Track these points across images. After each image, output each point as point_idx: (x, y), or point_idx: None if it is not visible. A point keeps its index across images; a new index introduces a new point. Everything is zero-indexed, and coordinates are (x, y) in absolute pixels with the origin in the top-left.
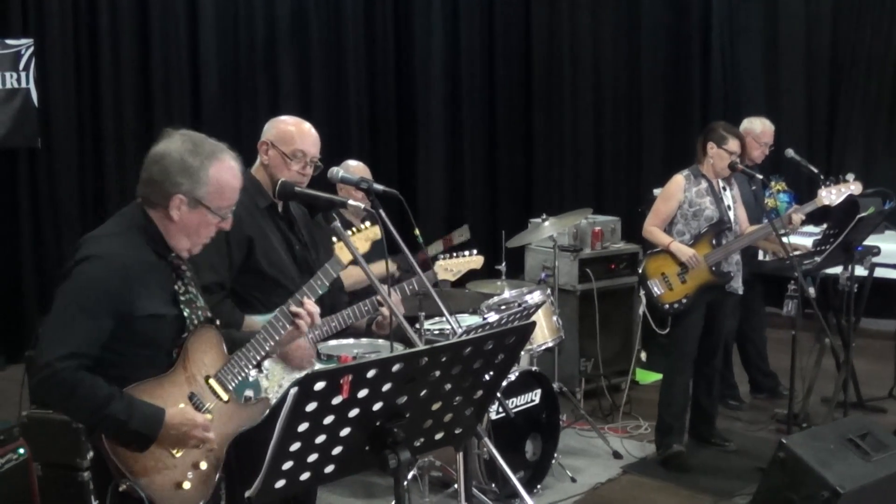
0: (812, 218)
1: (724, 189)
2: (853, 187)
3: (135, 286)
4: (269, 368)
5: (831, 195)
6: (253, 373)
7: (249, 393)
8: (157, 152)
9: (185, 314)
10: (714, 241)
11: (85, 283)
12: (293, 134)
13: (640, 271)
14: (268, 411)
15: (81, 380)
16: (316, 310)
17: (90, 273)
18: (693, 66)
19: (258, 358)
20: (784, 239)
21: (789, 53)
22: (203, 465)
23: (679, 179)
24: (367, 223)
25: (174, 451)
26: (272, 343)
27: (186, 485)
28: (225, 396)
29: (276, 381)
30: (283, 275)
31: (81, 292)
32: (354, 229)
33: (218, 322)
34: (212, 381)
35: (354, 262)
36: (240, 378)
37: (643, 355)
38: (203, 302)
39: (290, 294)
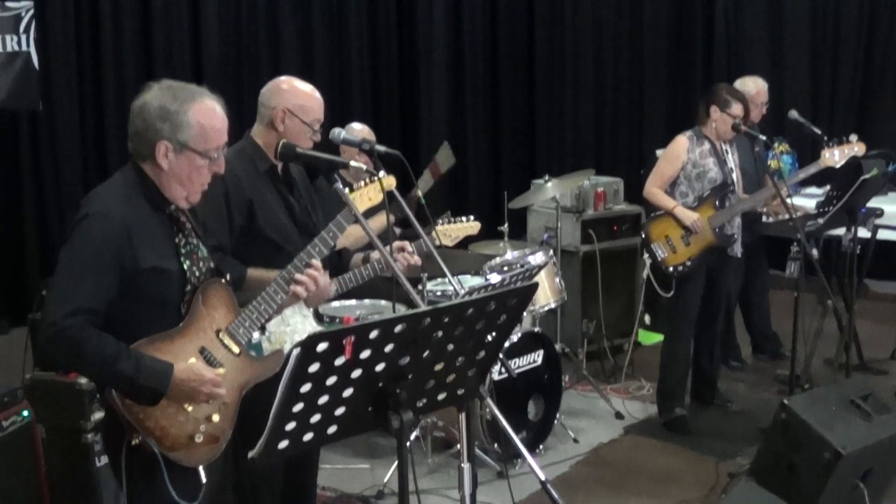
0: (815, 180)
1: (727, 151)
2: (856, 148)
3: (136, 240)
4: (273, 331)
5: (834, 156)
6: (256, 335)
7: (252, 355)
8: (137, 104)
9: (185, 267)
10: (718, 204)
11: (86, 240)
12: (313, 103)
13: (643, 234)
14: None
15: (88, 337)
16: (318, 273)
17: (90, 230)
18: (696, 26)
19: (270, 311)
20: (787, 200)
21: (793, 13)
22: (216, 419)
23: (683, 140)
24: (382, 173)
25: (186, 406)
26: (283, 295)
27: (198, 438)
28: (236, 350)
29: (278, 344)
30: (284, 238)
31: (83, 249)
32: (367, 180)
33: (228, 276)
34: (223, 335)
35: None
36: (252, 331)
37: (647, 318)
38: (206, 252)
39: (291, 257)
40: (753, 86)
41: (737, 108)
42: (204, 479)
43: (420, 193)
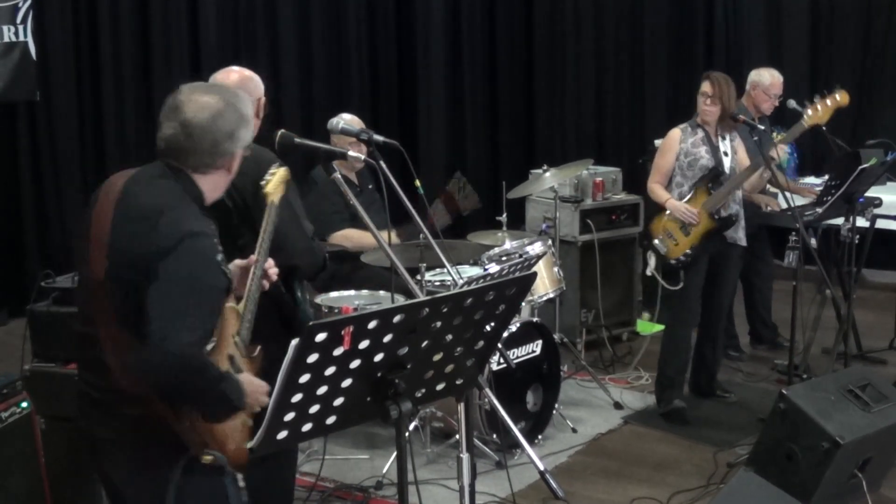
0: (814, 169)
1: (723, 138)
2: (839, 97)
3: (221, 256)
4: None
5: (818, 112)
6: None
7: None
8: (203, 119)
9: (229, 275)
10: (711, 188)
11: (200, 261)
12: (248, 82)
13: (646, 235)
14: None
15: (205, 362)
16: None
17: (200, 251)
18: (697, 14)
19: (256, 307)
20: (780, 178)
21: (793, 3)
22: (249, 423)
23: (675, 133)
24: (275, 167)
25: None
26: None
27: (247, 443)
28: (245, 352)
29: None
30: None
31: (199, 271)
32: (269, 175)
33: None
34: (236, 338)
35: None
36: (251, 330)
37: (646, 315)
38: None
39: None
40: (769, 76)
41: (703, 86)
42: (242, 483)
43: (418, 183)
